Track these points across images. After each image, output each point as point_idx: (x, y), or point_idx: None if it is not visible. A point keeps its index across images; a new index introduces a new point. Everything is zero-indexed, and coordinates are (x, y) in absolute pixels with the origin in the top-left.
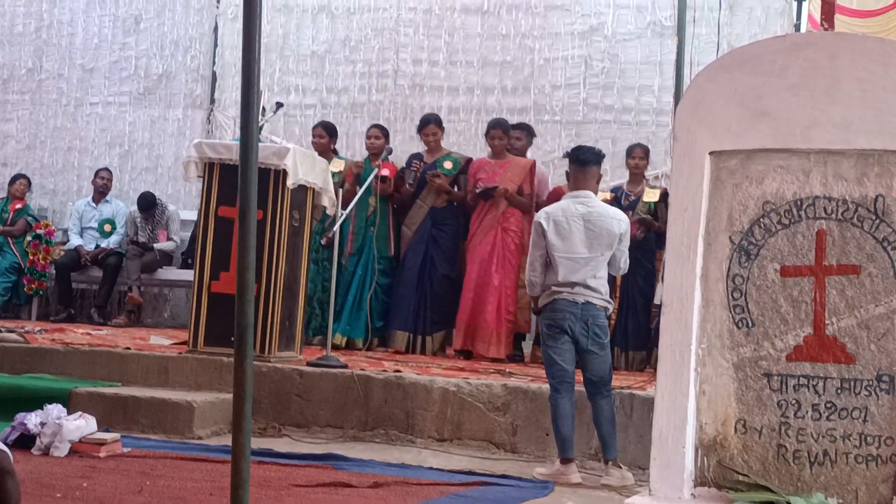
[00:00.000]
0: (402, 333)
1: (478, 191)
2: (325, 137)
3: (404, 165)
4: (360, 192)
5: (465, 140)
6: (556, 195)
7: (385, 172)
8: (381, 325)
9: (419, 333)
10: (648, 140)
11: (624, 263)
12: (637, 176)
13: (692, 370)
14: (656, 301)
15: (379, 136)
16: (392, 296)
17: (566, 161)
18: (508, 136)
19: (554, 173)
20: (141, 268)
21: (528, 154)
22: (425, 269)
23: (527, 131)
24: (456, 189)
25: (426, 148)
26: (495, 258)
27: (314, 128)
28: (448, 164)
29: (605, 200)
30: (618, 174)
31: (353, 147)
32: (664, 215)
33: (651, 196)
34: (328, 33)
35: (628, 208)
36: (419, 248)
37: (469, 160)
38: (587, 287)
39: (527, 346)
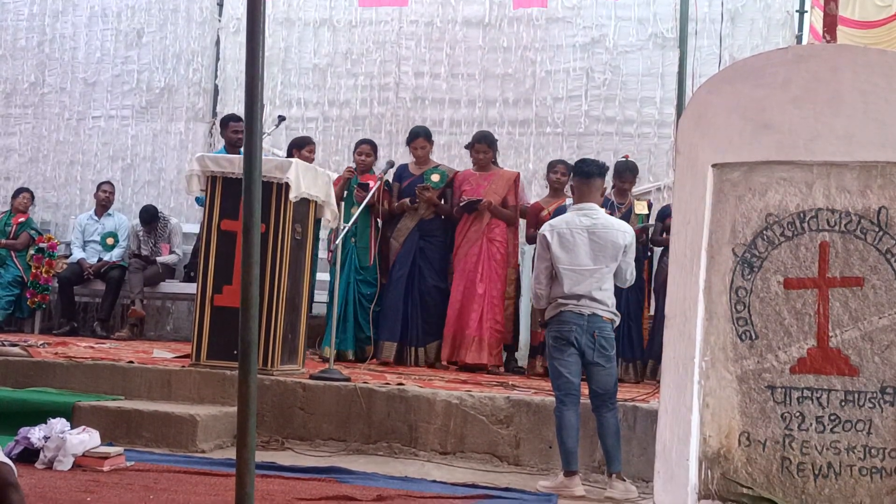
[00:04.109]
0: (389, 344)
1: (461, 204)
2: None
3: (392, 178)
4: (361, 207)
5: (467, 152)
6: (533, 211)
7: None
8: (366, 337)
9: (410, 345)
10: (650, 152)
11: (630, 275)
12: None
13: (696, 383)
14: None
15: (369, 152)
16: (379, 307)
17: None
18: (494, 150)
19: None
20: (143, 281)
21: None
22: (413, 280)
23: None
24: (442, 202)
25: (413, 160)
26: (480, 268)
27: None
28: (435, 177)
29: None
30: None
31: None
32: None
33: (641, 208)
34: (330, 46)
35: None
36: (406, 259)
37: (456, 173)
38: (593, 299)
39: (522, 359)
